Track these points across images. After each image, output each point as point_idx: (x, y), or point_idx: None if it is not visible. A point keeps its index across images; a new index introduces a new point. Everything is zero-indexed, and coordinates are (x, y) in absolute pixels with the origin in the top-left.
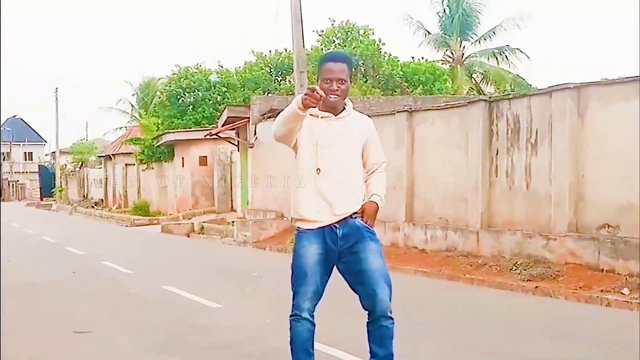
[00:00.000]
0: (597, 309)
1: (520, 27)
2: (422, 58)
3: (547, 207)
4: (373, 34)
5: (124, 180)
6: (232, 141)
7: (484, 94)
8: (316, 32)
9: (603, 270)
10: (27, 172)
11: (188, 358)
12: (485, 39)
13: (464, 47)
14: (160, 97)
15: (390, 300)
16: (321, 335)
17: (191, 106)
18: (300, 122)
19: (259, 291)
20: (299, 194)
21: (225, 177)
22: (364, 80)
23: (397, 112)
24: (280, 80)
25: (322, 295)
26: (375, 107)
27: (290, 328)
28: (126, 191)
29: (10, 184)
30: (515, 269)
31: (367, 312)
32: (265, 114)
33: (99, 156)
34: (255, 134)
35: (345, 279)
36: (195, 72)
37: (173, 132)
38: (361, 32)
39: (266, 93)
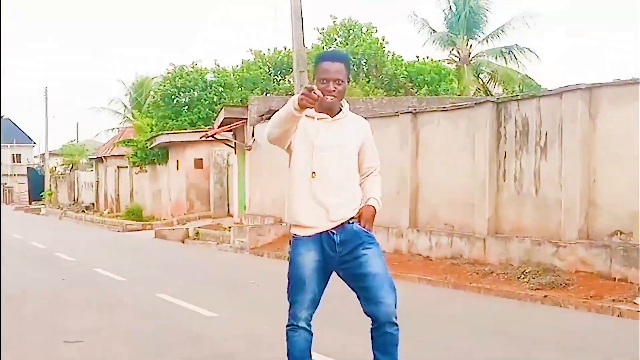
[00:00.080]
0: (609, 319)
1: (530, 26)
2: (427, 57)
3: (556, 213)
4: (376, 32)
5: (116, 184)
6: (229, 143)
7: (492, 95)
8: (317, 29)
9: (615, 278)
10: (15, 175)
11: None
12: (493, 38)
13: (470, 46)
14: (154, 97)
15: (395, 305)
16: (319, 345)
17: (186, 106)
18: (296, 123)
19: (256, 300)
20: (293, 198)
21: (222, 180)
22: (367, 80)
23: (401, 113)
24: (280, 79)
25: (319, 303)
26: (378, 108)
27: (287, 338)
28: (118, 195)
29: None
30: (524, 278)
31: (370, 318)
32: (263, 114)
33: (90, 158)
34: (253, 135)
35: (349, 286)
36: (191, 71)
37: (167, 134)
38: (364, 29)
39: (265, 93)
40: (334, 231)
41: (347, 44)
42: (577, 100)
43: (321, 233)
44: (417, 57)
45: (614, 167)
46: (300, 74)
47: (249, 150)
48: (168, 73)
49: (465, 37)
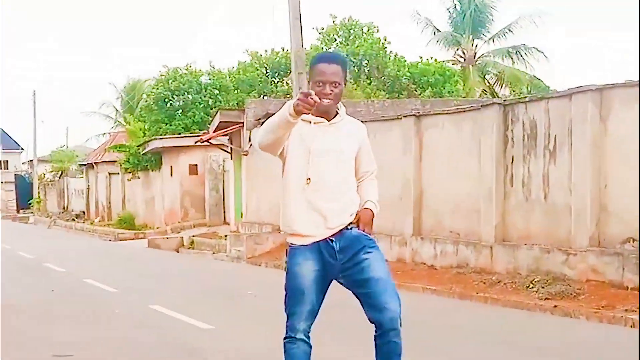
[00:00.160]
0: (621, 330)
1: (538, 25)
2: (431, 58)
3: (566, 220)
4: (378, 31)
5: (108, 191)
6: (224, 148)
7: (498, 97)
8: (316, 29)
9: (627, 288)
10: (2, 182)
11: None
12: (499, 37)
13: (476, 46)
14: (146, 101)
15: (400, 311)
16: (318, 358)
17: (180, 110)
18: (290, 130)
19: (254, 311)
20: (289, 206)
21: (218, 187)
22: (368, 82)
23: (404, 116)
24: (277, 82)
25: (317, 314)
26: (380, 111)
27: (285, 351)
28: (110, 203)
29: None
30: (532, 287)
31: (374, 325)
32: (260, 118)
33: (80, 165)
34: (249, 140)
35: (353, 292)
36: (185, 73)
37: (161, 139)
38: (365, 29)
39: (262, 96)
40: (333, 238)
41: (348, 44)
42: (587, 102)
43: (319, 241)
44: (421, 57)
45: (626, 171)
46: (299, 75)
47: (245, 155)
48: (161, 75)
49: (471, 36)
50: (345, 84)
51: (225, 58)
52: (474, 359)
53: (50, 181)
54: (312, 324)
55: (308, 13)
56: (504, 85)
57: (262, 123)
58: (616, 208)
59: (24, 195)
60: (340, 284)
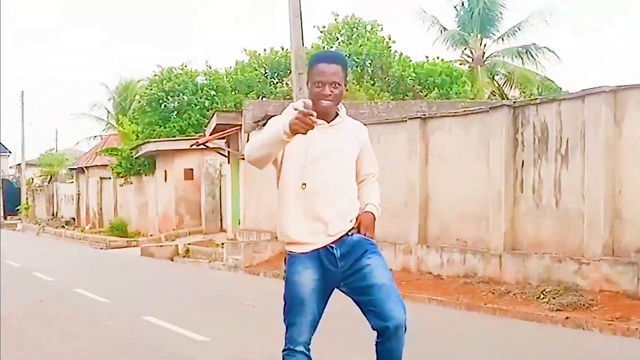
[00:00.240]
0: (636, 342)
1: (549, 23)
2: (438, 58)
3: (579, 227)
4: (381, 30)
5: (99, 197)
6: (221, 152)
7: (508, 99)
8: (317, 27)
9: None
10: None
11: None
12: (509, 36)
13: (484, 46)
14: (140, 102)
15: (405, 317)
16: None
17: (175, 112)
18: (283, 148)
19: (251, 322)
20: (287, 212)
21: (214, 192)
22: (372, 83)
23: (409, 118)
24: (277, 82)
25: (317, 325)
26: (384, 113)
27: None
28: (101, 209)
29: None
30: (543, 298)
31: (377, 332)
32: (259, 121)
33: (71, 169)
34: (247, 143)
35: (354, 300)
36: (180, 74)
37: (155, 142)
38: (368, 28)
39: (260, 97)
40: (333, 245)
41: (350, 43)
42: (601, 104)
43: (319, 249)
44: (427, 57)
45: None
46: (299, 76)
47: (243, 159)
48: (155, 75)
49: (479, 35)
50: (345, 85)
51: (222, 57)
52: None
53: (39, 186)
54: (312, 335)
55: (309, 11)
56: (513, 87)
57: (261, 125)
58: (631, 215)
59: (12, 200)
60: (342, 292)
